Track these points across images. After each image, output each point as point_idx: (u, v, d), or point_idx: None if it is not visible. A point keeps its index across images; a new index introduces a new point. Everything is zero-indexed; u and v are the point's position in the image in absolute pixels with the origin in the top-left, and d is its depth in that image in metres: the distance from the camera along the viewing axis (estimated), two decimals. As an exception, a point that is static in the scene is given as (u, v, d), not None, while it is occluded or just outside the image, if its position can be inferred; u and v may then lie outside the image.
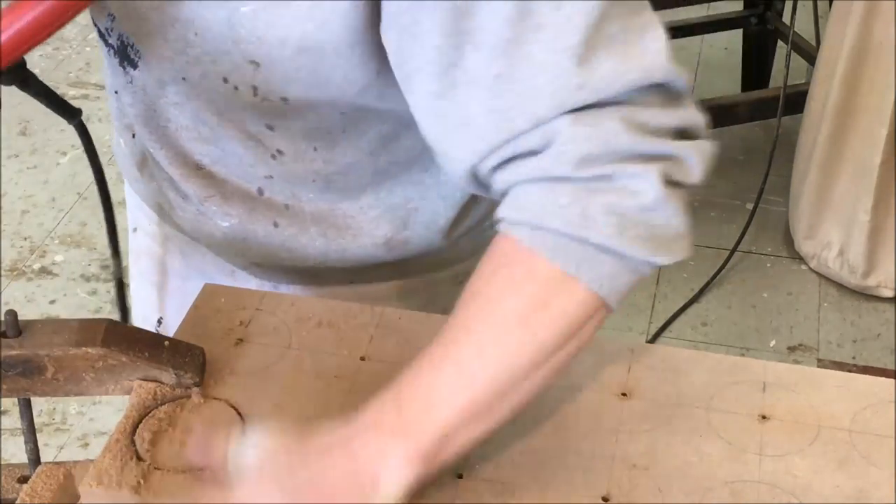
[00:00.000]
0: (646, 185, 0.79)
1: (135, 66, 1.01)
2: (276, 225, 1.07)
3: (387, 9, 0.82)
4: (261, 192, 1.06)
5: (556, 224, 0.80)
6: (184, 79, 0.95)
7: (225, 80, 0.93)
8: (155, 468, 0.87)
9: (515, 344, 0.82)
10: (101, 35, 1.03)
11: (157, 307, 1.26)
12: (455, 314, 0.84)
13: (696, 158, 0.82)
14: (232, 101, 0.95)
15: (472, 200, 1.10)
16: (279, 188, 1.05)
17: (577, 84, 0.78)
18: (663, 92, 0.81)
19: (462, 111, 0.82)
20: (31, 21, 0.83)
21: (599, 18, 0.77)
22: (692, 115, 0.83)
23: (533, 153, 0.80)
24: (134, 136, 1.12)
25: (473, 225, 1.12)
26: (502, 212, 0.83)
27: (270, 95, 0.93)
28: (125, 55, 1.01)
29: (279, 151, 1.01)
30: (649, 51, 0.79)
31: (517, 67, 0.79)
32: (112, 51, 1.02)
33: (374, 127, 1.00)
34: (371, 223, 1.07)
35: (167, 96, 1.02)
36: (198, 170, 1.07)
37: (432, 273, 1.16)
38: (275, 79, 0.91)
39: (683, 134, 0.83)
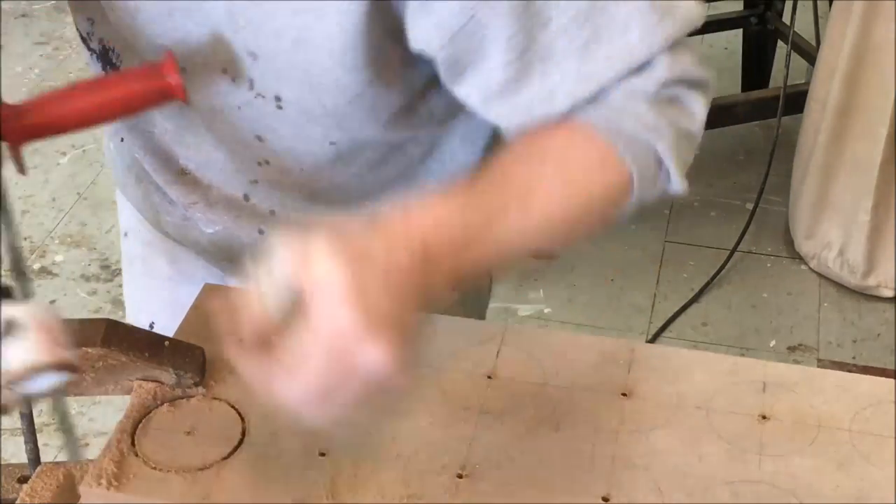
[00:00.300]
0: (700, 108, 0.92)
1: (117, 68, 1.01)
2: (261, 232, 1.07)
3: (439, 15, 0.83)
4: (247, 198, 1.06)
5: (630, 124, 0.88)
6: (184, 69, 0.95)
7: (224, 71, 0.93)
8: (154, 468, 0.87)
9: (576, 208, 0.89)
10: (83, 40, 1.03)
11: (149, 311, 1.26)
12: (513, 163, 0.87)
13: (709, 75, 0.94)
14: (228, 97, 0.95)
15: None
16: (265, 194, 1.05)
17: (658, 20, 0.87)
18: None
19: (543, 87, 0.86)
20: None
21: None
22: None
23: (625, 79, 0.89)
24: (122, 140, 1.12)
25: None
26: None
27: (265, 91, 0.93)
28: (107, 59, 1.01)
29: (266, 161, 1.01)
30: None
31: (603, 30, 0.86)
32: (94, 55, 1.02)
33: (364, 155, 1.00)
34: None
35: None
36: (183, 175, 1.07)
37: None
38: (270, 73, 0.91)
39: None
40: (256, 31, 0.88)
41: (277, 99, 0.94)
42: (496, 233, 0.84)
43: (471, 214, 0.83)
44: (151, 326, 1.24)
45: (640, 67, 0.89)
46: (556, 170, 0.88)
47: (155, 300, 1.24)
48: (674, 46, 0.89)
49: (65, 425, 1.09)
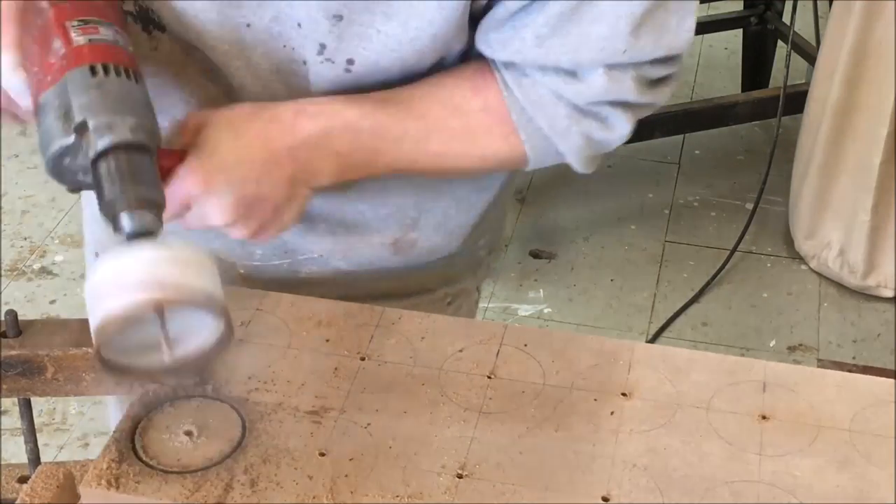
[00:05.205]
0: (622, 125, 0.98)
1: (162, 29, 0.98)
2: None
3: None
4: None
5: (543, 123, 0.97)
6: (248, 25, 0.94)
7: (283, 46, 0.94)
8: (154, 468, 0.87)
9: (466, 165, 1.01)
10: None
11: None
12: (435, 110, 0.98)
13: (664, 99, 1.00)
14: (286, 63, 0.95)
15: (493, 206, 1.13)
16: None
17: (623, 48, 0.92)
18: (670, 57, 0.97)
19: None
20: None
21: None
22: (678, 64, 0.98)
23: (560, 75, 0.95)
24: None
25: (483, 234, 1.15)
26: (509, 75, 0.96)
27: (336, 56, 0.94)
28: (148, 19, 0.98)
29: None
30: (682, 33, 0.94)
31: (579, 12, 0.90)
32: (130, 17, 0.98)
33: None
34: (380, 222, 1.07)
35: (195, 63, 1.00)
36: None
37: (426, 293, 1.17)
38: (353, 35, 0.92)
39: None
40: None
41: (350, 62, 0.94)
42: (384, 153, 0.96)
43: (367, 128, 0.95)
44: None
45: (575, 75, 0.94)
46: (461, 127, 0.98)
47: None
48: (621, 68, 0.94)
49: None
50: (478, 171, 1.05)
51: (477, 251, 1.19)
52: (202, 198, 0.89)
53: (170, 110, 1.03)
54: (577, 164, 1.00)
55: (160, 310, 0.76)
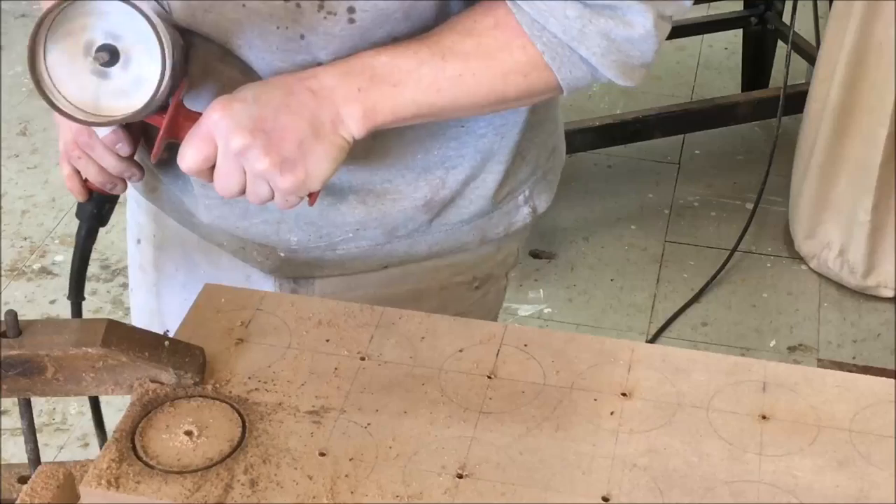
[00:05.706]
0: (642, 19, 0.94)
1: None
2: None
3: None
4: None
5: (556, 29, 0.95)
6: (244, 5, 0.95)
7: (277, 28, 0.94)
8: (154, 468, 0.87)
9: (489, 85, 0.98)
10: None
11: (161, 320, 1.26)
12: (448, 36, 0.97)
13: None
14: (291, 27, 0.96)
15: (519, 158, 1.13)
16: None
17: None
18: None
19: None
20: None
21: None
22: None
23: None
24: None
25: (514, 188, 1.15)
26: None
27: (336, 6, 0.94)
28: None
29: None
30: None
31: None
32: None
33: None
34: (409, 186, 1.08)
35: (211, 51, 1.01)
36: None
37: (462, 252, 1.17)
38: None
39: None
40: None
41: (351, 11, 0.94)
42: (405, 84, 0.96)
43: (383, 61, 0.96)
44: (166, 334, 1.24)
45: None
46: (475, 46, 0.97)
47: (173, 305, 1.23)
48: None
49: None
50: (506, 95, 1.00)
51: (515, 208, 1.19)
52: (221, 123, 0.93)
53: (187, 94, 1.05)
54: (610, 72, 0.97)
55: None
